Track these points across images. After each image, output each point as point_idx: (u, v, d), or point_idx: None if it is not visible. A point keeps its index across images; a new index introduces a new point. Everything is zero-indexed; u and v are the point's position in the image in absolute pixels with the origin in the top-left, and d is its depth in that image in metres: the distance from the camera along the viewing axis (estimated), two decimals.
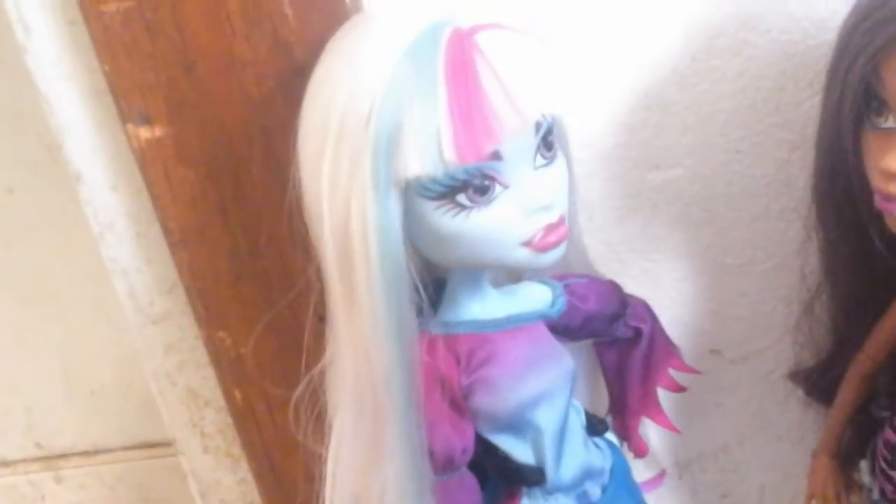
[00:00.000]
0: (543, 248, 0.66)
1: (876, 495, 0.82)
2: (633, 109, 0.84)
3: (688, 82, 0.83)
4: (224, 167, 0.80)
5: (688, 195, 0.87)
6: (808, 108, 0.82)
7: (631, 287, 0.87)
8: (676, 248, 0.90)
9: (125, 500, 1.58)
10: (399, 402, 0.65)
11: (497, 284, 0.76)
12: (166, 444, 1.01)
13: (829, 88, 0.69)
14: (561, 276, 0.79)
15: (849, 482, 0.87)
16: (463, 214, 0.63)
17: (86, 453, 1.56)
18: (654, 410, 0.86)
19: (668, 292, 0.92)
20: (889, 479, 0.79)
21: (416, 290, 0.66)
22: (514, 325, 0.73)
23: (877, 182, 0.66)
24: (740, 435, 1.00)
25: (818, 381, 0.87)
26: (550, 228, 0.66)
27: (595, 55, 0.83)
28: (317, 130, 0.63)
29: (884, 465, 0.79)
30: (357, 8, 0.76)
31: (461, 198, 0.63)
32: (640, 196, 0.88)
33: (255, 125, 0.78)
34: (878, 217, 0.69)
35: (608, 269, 0.88)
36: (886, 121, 0.65)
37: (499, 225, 0.64)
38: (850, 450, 0.86)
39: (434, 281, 0.73)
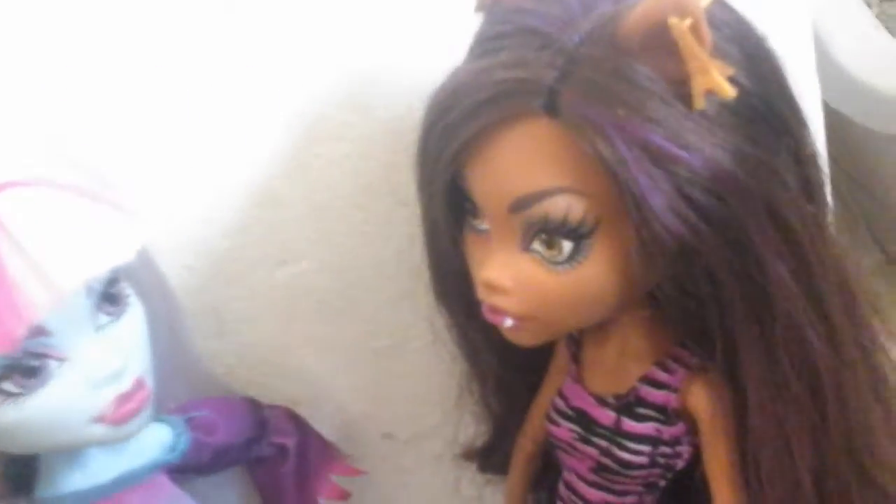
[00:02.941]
0: (121, 420, 0.59)
1: None
2: (242, 208, 0.79)
3: (295, 174, 0.78)
4: None
5: (322, 287, 0.82)
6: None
7: (285, 387, 0.83)
8: (324, 341, 0.85)
9: None
10: None
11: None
12: None
13: (421, 194, 0.65)
14: (182, 408, 0.72)
15: None
16: (13, 403, 0.56)
17: None
18: None
19: (325, 386, 0.87)
20: None
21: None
22: (126, 485, 0.66)
23: (480, 293, 0.61)
24: None
25: (488, 460, 0.83)
26: (125, 398, 0.59)
27: (195, 160, 0.77)
28: None
29: None
30: None
31: (7, 385, 0.55)
32: (272, 294, 0.82)
33: None
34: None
35: (258, 371, 0.83)
36: (482, 223, 0.61)
37: (62, 405, 0.57)
38: None
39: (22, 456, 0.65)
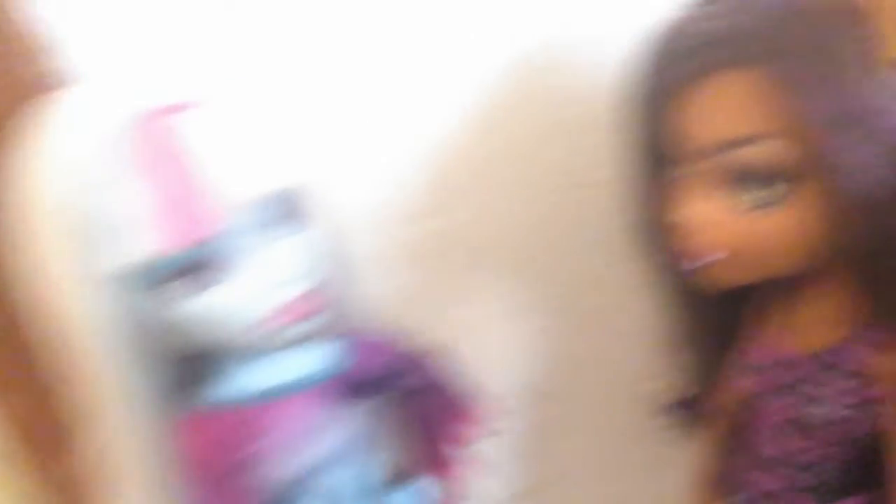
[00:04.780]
0: (282, 328, 0.63)
1: None
2: (405, 159, 0.81)
3: (460, 128, 0.80)
4: None
5: (474, 240, 0.85)
6: (585, 146, 0.81)
7: (439, 333, 0.83)
8: (474, 291, 0.87)
9: None
10: (158, 485, 0.63)
11: (273, 349, 0.70)
12: None
13: (624, 141, 0.68)
14: (343, 334, 0.75)
15: None
16: (189, 300, 0.60)
17: None
18: (448, 464, 0.81)
19: (471, 335, 0.88)
20: None
21: (176, 368, 0.64)
22: (289, 392, 0.69)
23: (675, 235, 0.65)
24: (559, 473, 0.97)
25: (688, 413, 0.84)
26: (287, 308, 0.63)
27: (366, 109, 0.79)
28: (21, 224, 0.59)
29: None
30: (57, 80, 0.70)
31: (184, 283, 0.60)
32: (428, 243, 0.84)
33: None
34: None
35: (407, 316, 0.84)
36: (682, 167, 0.64)
37: (229, 307, 0.61)
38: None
39: (200, 356, 0.68)
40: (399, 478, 0.78)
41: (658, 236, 0.69)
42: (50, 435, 0.77)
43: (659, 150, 0.65)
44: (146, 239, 0.56)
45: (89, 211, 0.56)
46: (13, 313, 0.65)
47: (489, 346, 0.90)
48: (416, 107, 0.80)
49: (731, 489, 0.78)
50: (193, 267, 0.59)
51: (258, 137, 0.60)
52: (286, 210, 0.63)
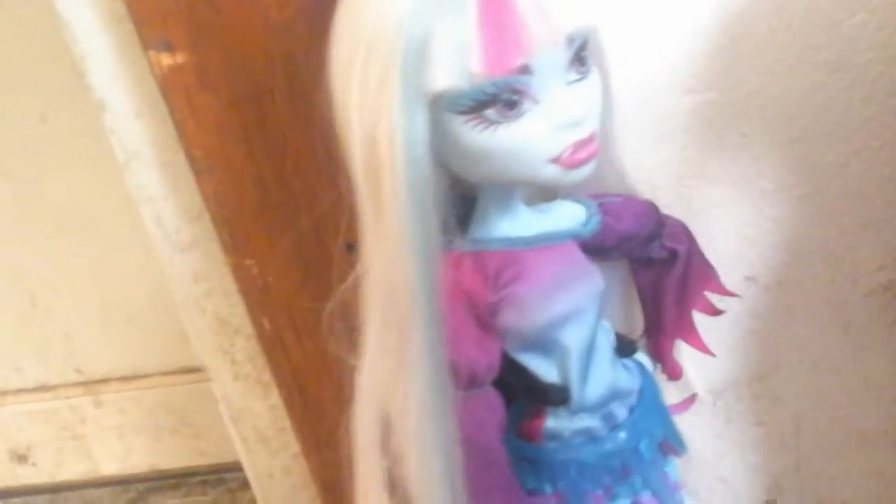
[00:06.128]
0: (573, 165, 0.64)
1: None
2: (665, 33, 0.82)
3: (719, 4, 0.80)
4: (247, 94, 0.79)
5: (722, 119, 0.85)
6: (845, 28, 0.80)
7: (665, 211, 0.85)
8: (711, 173, 0.88)
9: (164, 425, 1.61)
10: (423, 316, 0.65)
11: (530, 202, 0.74)
12: (204, 369, 1.02)
13: None
14: (596, 195, 0.77)
15: None
16: (491, 129, 0.62)
17: (124, 378, 1.59)
18: (689, 333, 0.84)
19: (702, 218, 0.90)
20: None
21: (444, 204, 0.65)
22: (544, 243, 0.72)
23: None
24: (775, 363, 0.98)
25: None
26: (580, 145, 0.64)
27: None
28: (348, 43, 0.62)
29: None
30: None
31: (489, 112, 0.61)
32: (674, 120, 0.85)
33: (278, 51, 0.77)
34: None
35: (642, 192, 0.86)
36: None
37: (527, 141, 0.63)
38: None
39: (465, 197, 0.72)
40: (625, 344, 0.80)
41: None
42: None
43: None
44: (470, 62, 0.58)
45: (421, 30, 0.58)
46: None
47: (719, 230, 0.92)
48: None
49: None
50: (509, 95, 0.61)
51: None
52: (591, 51, 0.65)
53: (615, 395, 0.75)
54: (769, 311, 0.95)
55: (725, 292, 0.83)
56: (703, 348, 0.84)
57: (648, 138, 0.86)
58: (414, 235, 0.63)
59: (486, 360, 0.70)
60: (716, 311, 0.83)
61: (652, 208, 0.79)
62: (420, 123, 0.60)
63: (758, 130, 0.85)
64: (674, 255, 0.80)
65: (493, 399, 0.72)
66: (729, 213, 0.90)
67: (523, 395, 0.75)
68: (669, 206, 0.86)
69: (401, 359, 0.66)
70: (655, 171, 0.88)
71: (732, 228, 0.91)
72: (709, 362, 0.90)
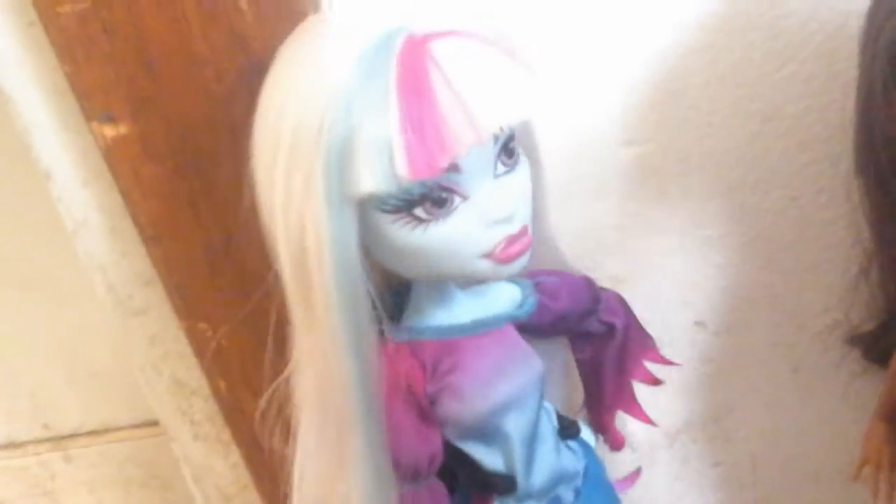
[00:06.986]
0: (505, 260, 0.64)
1: None
2: (601, 88, 0.83)
3: (654, 59, 0.82)
4: (191, 162, 0.80)
5: (662, 170, 0.86)
6: (777, 79, 0.81)
7: (610, 264, 0.87)
8: (654, 223, 0.89)
9: (133, 478, 1.60)
10: (360, 411, 0.64)
11: (464, 284, 0.73)
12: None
13: (862, 57, 0.67)
14: (531, 274, 0.77)
15: None
16: (421, 228, 0.62)
17: (93, 433, 1.58)
18: (630, 403, 0.85)
19: (647, 266, 0.91)
20: None
21: (377, 296, 0.65)
22: (481, 329, 0.72)
23: None
24: (728, 405, 0.99)
25: (874, 345, 0.86)
26: (512, 240, 0.64)
27: (562, 42, 0.81)
28: (269, 141, 0.61)
29: None
30: (314, 2, 0.74)
31: (418, 211, 0.61)
32: (614, 172, 0.87)
33: (220, 121, 0.78)
34: None
35: (585, 247, 0.88)
36: None
37: (458, 237, 0.62)
38: None
39: (398, 286, 0.72)
40: (567, 425, 0.80)
41: (887, 154, 0.66)
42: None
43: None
44: (395, 166, 0.56)
45: (344, 133, 0.56)
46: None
47: (666, 279, 0.93)
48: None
49: None
50: (438, 193, 0.60)
51: (504, 68, 0.60)
52: (511, 146, 0.64)
53: (561, 478, 0.75)
54: (720, 355, 0.96)
55: (664, 361, 0.85)
56: (644, 418, 0.85)
57: (589, 191, 0.87)
58: (346, 330, 0.62)
59: (427, 452, 0.69)
60: (656, 381, 0.84)
61: (587, 284, 0.80)
62: (347, 224, 0.59)
63: (698, 180, 0.87)
64: (611, 328, 0.81)
65: (438, 492, 0.72)
66: (674, 262, 0.91)
67: (468, 484, 0.75)
68: (613, 257, 0.87)
69: (339, 453, 0.66)
70: (598, 223, 0.89)
71: (679, 276, 0.92)
72: (663, 406, 0.91)
